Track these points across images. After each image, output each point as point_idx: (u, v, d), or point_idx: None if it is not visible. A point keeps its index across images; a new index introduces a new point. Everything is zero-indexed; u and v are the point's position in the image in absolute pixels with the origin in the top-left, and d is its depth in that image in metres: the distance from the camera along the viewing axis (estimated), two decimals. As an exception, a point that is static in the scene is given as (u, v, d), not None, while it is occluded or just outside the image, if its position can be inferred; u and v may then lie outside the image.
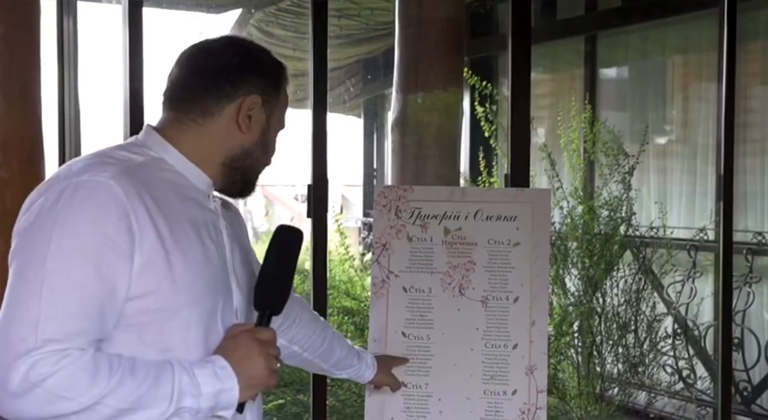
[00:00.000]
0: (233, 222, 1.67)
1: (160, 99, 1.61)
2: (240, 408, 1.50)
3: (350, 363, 2.10)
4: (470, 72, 4.85)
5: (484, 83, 4.84)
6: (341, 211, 9.23)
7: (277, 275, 1.60)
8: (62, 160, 3.32)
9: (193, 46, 1.63)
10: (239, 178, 1.63)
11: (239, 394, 1.47)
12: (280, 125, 1.68)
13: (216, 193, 1.65)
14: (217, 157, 1.59)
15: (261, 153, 1.64)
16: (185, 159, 1.56)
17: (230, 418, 1.50)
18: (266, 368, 1.51)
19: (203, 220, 1.56)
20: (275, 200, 13.55)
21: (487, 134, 4.91)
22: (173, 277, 1.44)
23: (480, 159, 5.12)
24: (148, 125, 1.60)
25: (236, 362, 1.48)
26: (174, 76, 1.60)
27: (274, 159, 1.70)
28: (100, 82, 3.65)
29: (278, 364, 1.55)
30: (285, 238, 1.63)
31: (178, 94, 1.59)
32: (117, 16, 2.98)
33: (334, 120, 9.19)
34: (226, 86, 1.56)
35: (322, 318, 2.09)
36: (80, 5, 3.73)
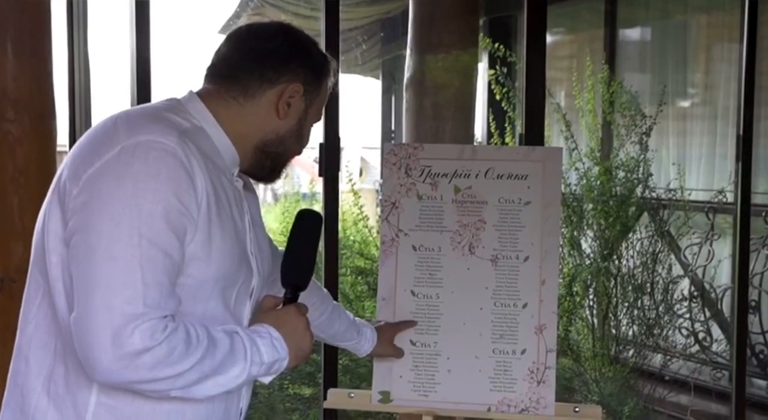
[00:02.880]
0: (252, 204, 1.68)
1: (203, 71, 1.63)
2: None
3: (348, 337, 2.13)
4: (488, 32, 4.78)
5: (496, 45, 4.76)
6: (360, 174, 9.19)
7: (302, 253, 1.66)
8: (72, 118, 3.31)
9: (245, 26, 1.65)
10: (268, 163, 1.65)
11: (287, 364, 1.52)
12: (317, 117, 1.70)
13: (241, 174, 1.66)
14: (252, 139, 1.60)
15: (294, 141, 1.66)
16: (224, 134, 1.57)
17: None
18: (312, 342, 1.58)
19: (234, 197, 1.57)
20: (295, 162, 13.55)
21: (498, 97, 4.85)
22: (210, 249, 1.46)
23: (490, 120, 5.06)
24: (191, 91, 1.60)
25: (287, 334, 1.53)
26: (221, 53, 1.62)
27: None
28: (110, 41, 3.64)
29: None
30: (307, 220, 1.69)
31: (223, 71, 1.60)
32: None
33: (352, 81, 9.11)
34: (270, 71, 1.58)
35: (325, 290, 2.10)
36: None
